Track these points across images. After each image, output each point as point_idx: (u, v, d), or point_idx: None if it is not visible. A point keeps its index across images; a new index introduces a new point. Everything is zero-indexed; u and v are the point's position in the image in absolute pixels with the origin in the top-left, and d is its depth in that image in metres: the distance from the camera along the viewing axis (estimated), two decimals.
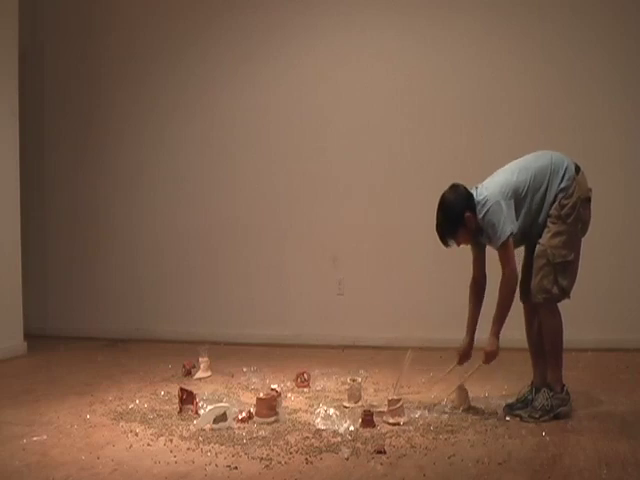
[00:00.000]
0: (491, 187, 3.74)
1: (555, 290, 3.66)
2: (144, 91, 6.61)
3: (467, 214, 3.72)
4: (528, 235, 3.74)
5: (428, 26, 5.99)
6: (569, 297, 3.72)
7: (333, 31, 6.20)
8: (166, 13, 6.55)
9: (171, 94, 6.54)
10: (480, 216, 3.70)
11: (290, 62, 6.26)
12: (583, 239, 3.75)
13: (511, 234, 3.64)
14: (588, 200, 3.72)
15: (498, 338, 3.73)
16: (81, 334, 6.49)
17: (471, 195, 3.77)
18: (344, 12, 6.14)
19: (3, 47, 5.77)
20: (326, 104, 6.18)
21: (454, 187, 3.83)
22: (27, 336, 5.95)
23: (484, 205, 3.68)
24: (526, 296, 3.79)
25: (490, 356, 3.77)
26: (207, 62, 6.47)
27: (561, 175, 3.67)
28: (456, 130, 5.90)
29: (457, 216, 3.73)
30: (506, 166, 3.86)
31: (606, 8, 5.62)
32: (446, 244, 3.81)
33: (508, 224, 3.64)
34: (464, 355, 3.93)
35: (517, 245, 3.79)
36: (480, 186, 3.80)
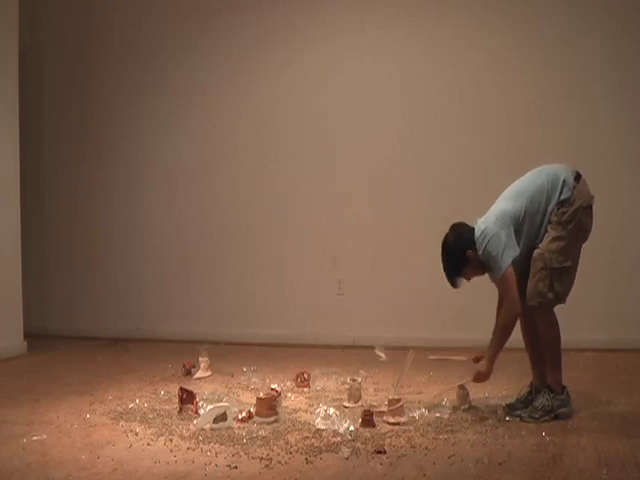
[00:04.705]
0: (489, 219, 3.74)
1: (550, 295, 3.64)
2: (144, 91, 6.60)
3: (469, 252, 3.73)
4: (530, 254, 3.71)
5: (429, 26, 5.98)
6: (564, 302, 3.71)
7: (334, 32, 6.18)
8: (166, 13, 6.55)
9: (171, 94, 6.54)
10: (480, 251, 3.70)
11: (289, 63, 6.25)
12: (584, 243, 3.74)
13: (513, 261, 3.63)
14: (590, 207, 3.70)
15: (493, 363, 3.74)
16: (81, 334, 6.49)
17: (472, 231, 3.76)
18: (345, 12, 6.13)
19: (3, 47, 5.77)
20: (326, 104, 6.17)
21: (454, 227, 3.85)
22: (27, 335, 5.95)
23: (483, 239, 3.68)
24: (522, 298, 3.77)
25: (481, 377, 3.77)
26: (207, 62, 6.46)
27: (559, 188, 3.65)
28: (456, 131, 5.89)
29: (459, 256, 3.74)
30: (502, 194, 3.85)
31: (606, 8, 5.61)
32: (454, 285, 3.82)
33: (508, 253, 3.63)
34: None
35: (518, 268, 3.75)
36: (479, 221, 3.79)
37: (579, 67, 5.65)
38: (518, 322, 3.87)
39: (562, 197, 3.65)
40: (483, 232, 3.69)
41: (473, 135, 5.86)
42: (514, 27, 5.78)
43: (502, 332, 3.71)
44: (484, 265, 3.74)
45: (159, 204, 6.60)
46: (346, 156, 6.13)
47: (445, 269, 3.80)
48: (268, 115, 6.31)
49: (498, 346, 3.73)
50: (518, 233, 3.69)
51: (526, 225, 3.69)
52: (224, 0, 6.44)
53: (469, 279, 3.84)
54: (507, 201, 3.77)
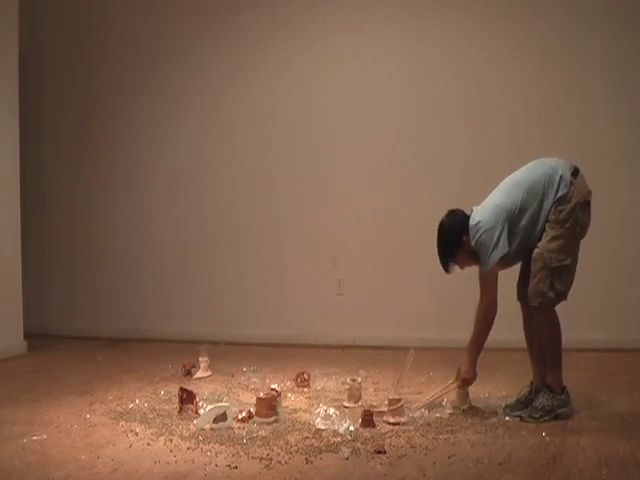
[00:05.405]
0: (485, 211, 3.75)
1: (551, 294, 3.64)
2: (144, 91, 6.60)
3: (464, 237, 3.75)
4: (526, 247, 3.72)
5: (429, 26, 5.97)
6: (566, 299, 3.71)
7: (334, 32, 6.18)
8: (166, 13, 6.55)
9: (171, 94, 6.54)
10: (473, 242, 3.72)
11: (289, 63, 6.25)
12: (583, 239, 3.74)
13: (501, 257, 3.64)
14: (587, 204, 3.69)
15: (474, 366, 3.78)
16: (81, 334, 6.49)
17: (468, 218, 3.78)
18: (345, 12, 6.13)
19: (3, 47, 5.77)
20: (326, 104, 6.17)
21: (451, 212, 3.88)
22: (27, 335, 5.95)
23: (477, 231, 3.70)
24: (524, 297, 3.78)
25: (466, 382, 3.83)
26: (207, 62, 6.46)
27: (556, 185, 3.64)
28: (456, 131, 5.89)
29: (454, 240, 3.77)
30: (500, 185, 3.85)
31: (606, 8, 5.61)
32: (447, 269, 3.84)
33: (498, 250, 3.65)
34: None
35: (515, 261, 3.80)
36: (475, 210, 3.80)
37: (579, 67, 5.65)
38: (521, 321, 3.88)
39: (559, 194, 3.63)
40: (478, 224, 3.71)
41: (473, 135, 5.86)
42: (514, 27, 5.78)
43: (479, 333, 3.74)
44: (476, 255, 3.74)
45: (159, 204, 6.60)
46: (346, 156, 6.13)
47: (439, 251, 3.82)
48: (268, 115, 6.31)
49: (478, 348, 3.77)
50: (514, 226, 3.68)
51: (522, 217, 3.68)
52: (224, 0, 6.44)
53: (462, 267, 3.85)
54: (503, 195, 3.76)
